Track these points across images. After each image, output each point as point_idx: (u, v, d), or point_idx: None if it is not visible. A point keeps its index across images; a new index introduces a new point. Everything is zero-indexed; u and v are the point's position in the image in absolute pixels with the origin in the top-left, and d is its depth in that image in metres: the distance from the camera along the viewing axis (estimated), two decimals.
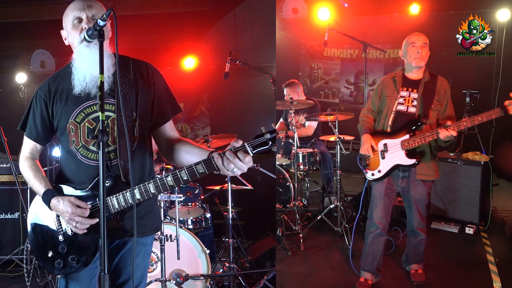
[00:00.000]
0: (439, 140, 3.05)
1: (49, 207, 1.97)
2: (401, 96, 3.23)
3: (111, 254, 2.07)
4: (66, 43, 2.05)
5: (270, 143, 1.69)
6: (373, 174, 3.27)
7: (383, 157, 3.22)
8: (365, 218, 4.59)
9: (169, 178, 1.83)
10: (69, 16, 1.97)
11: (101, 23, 1.75)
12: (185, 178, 1.80)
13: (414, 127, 3.13)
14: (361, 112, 3.49)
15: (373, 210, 3.31)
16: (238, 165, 1.71)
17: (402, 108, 3.22)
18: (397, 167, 3.20)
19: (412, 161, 3.14)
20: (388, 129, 3.24)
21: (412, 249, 3.51)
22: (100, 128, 1.67)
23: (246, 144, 1.71)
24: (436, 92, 3.18)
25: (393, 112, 3.23)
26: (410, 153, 3.14)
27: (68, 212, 1.90)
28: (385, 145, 3.21)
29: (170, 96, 2.13)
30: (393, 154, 3.18)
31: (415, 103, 3.19)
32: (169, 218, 3.67)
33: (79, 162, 1.99)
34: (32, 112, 2.07)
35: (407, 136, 3.13)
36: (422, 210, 3.33)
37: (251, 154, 1.71)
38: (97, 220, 1.92)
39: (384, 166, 3.22)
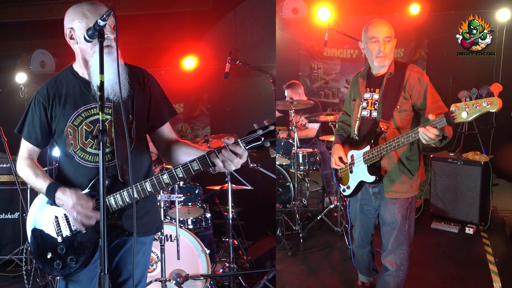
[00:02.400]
0: (428, 141, 2.27)
1: (53, 199, 1.98)
2: (364, 99, 2.75)
3: (111, 254, 2.10)
4: (72, 42, 2.01)
5: (263, 138, 1.74)
6: (344, 190, 2.88)
7: (351, 171, 2.78)
8: None
9: (165, 176, 1.88)
10: (90, 19, 1.92)
11: (101, 23, 1.76)
12: (180, 176, 1.86)
13: (374, 137, 2.62)
14: (339, 115, 3.15)
15: (354, 229, 3.02)
16: (232, 160, 1.77)
17: (365, 113, 2.75)
18: (363, 183, 2.73)
19: (372, 178, 2.63)
20: (356, 138, 2.81)
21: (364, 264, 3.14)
22: (101, 128, 1.69)
23: (239, 140, 1.78)
24: (401, 87, 2.59)
25: (357, 119, 2.78)
26: (371, 168, 2.64)
27: (72, 202, 1.92)
28: (351, 157, 2.77)
29: (166, 100, 2.19)
30: (359, 168, 2.71)
31: (376, 105, 2.68)
32: (169, 218, 3.67)
33: (76, 164, 2.02)
34: (31, 116, 2.08)
35: (367, 148, 2.64)
36: (395, 237, 2.67)
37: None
38: (98, 213, 1.92)
39: (352, 181, 2.78)
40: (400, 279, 2.74)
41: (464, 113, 2.08)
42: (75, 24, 1.96)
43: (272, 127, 1.74)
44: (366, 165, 2.65)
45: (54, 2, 6.43)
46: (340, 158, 2.82)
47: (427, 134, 2.21)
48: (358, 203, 2.91)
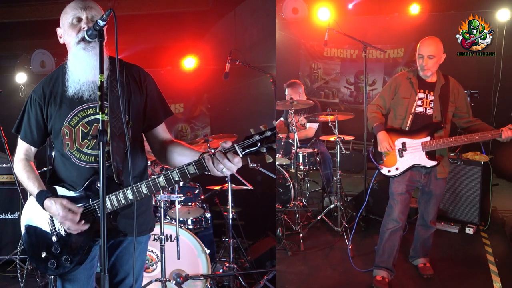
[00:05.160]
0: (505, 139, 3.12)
1: (43, 207, 1.99)
2: (419, 98, 3.30)
3: (108, 254, 2.07)
4: (61, 41, 2.05)
5: (259, 144, 1.72)
6: (389, 171, 3.34)
7: (401, 156, 3.30)
8: (364, 218, 4.60)
9: (161, 179, 1.87)
10: (68, 14, 1.97)
11: (101, 23, 1.76)
12: (176, 179, 1.85)
13: (435, 130, 3.24)
14: (368, 107, 3.53)
15: (393, 207, 3.35)
16: (227, 166, 1.75)
17: (420, 110, 3.30)
18: (414, 166, 3.28)
19: (433, 162, 3.25)
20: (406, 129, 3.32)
21: (421, 242, 3.61)
22: (100, 128, 1.69)
23: (236, 145, 1.75)
24: (450, 93, 3.29)
25: (411, 114, 3.30)
26: (430, 155, 3.25)
27: (59, 216, 1.93)
28: (403, 144, 3.29)
29: (162, 100, 2.18)
30: (413, 154, 3.27)
31: (432, 105, 3.29)
32: (169, 218, 3.67)
33: (73, 164, 2.02)
34: (27, 115, 2.08)
35: (428, 138, 3.22)
36: (438, 205, 3.51)
37: (241, 155, 1.75)
38: (87, 226, 1.95)
39: (402, 164, 3.30)
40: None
41: None
42: (61, 23, 2.02)
43: (269, 133, 1.70)
44: (424, 151, 3.23)
45: (54, 2, 6.43)
46: (389, 144, 3.28)
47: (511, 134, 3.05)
48: (405, 184, 3.33)
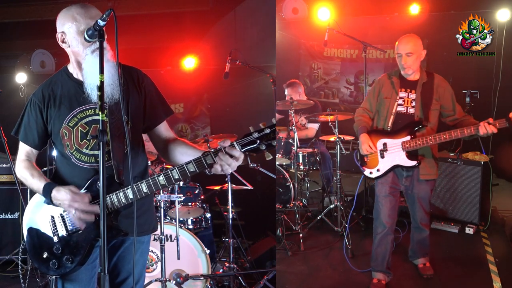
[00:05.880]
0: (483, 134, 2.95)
1: (50, 199, 1.99)
2: (400, 97, 3.25)
3: (109, 254, 2.10)
4: (64, 46, 2.02)
5: (258, 141, 1.74)
6: (371, 173, 3.31)
7: (382, 156, 3.25)
8: (364, 218, 4.60)
9: (161, 178, 1.89)
10: (79, 23, 1.93)
11: (101, 23, 1.77)
12: (176, 177, 1.87)
13: (415, 129, 3.15)
14: (356, 111, 3.51)
15: (379, 210, 3.32)
16: (228, 162, 1.78)
17: (401, 109, 3.25)
18: (396, 167, 3.23)
19: (413, 162, 3.18)
20: (388, 130, 3.27)
21: (417, 244, 3.61)
22: (100, 128, 1.70)
23: (235, 143, 1.78)
24: (434, 91, 3.20)
25: (393, 114, 3.25)
26: (411, 155, 3.18)
27: (67, 199, 1.94)
28: (384, 144, 3.24)
29: (161, 100, 2.19)
30: (393, 154, 3.21)
31: (413, 103, 3.22)
32: (169, 218, 3.67)
33: (73, 165, 2.03)
34: (27, 118, 2.09)
35: (408, 138, 3.16)
36: (426, 206, 3.42)
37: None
38: (97, 208, 1.93)
39: (383, 165, 3.26)
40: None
41: None
42: (66, 28, 1.97)
43: (267, 130, 1.73)
44: (404, 151, 3.15)
45: (54, 2, 6.42)
46: (370, 146, 3.23)
47: (491, 131, 2.90)
48: (388, 186, 3.27)
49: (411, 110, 3.22)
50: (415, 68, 3.23)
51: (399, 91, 3.26)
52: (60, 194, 1.96)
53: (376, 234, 3.35)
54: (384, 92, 3.32)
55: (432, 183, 3.36)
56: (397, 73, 3.32)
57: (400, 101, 3.25)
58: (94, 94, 1.97)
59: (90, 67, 1.95)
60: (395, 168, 3.24)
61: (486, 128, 2.89)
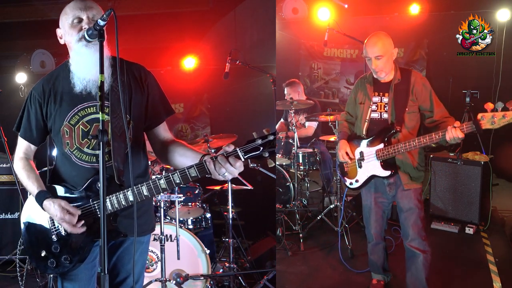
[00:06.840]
0: (442, 140, 2.65)
1: (42, 208, 1.99)
2: (373, 103, 3.01)
3: (109, 254, 2.07)
4: (62, 41, 2.05)
5: (262, 148, 1.72)
6: (351, 183, 3.13)
7: (360, 166, 3.04)
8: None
9: (162, 181, 1.86)
10: (68, 15, 1.97)
11: (102, 23, 1.76)
12: (177, 181, 1.85)
13: (388, 136, 2.90)
14: (340, 115, 3.39)
15: (366, 221, 3.23)
16: (229, 170, 1.76)
17: (375, 115, 3.01)
18: (373, 177, 3.01)
19: (387, 173, 2.92)
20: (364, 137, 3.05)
21: (409, 272, 3.05)
22: (101, 128, 1.69)
23: (238, 149, 1.75)
24: (409, 91, 2.90)
25: (366, 120, 3.03)
26: (386, 164, 2.93)
27: (57, 217, 1.93)
28: (361, 153, 3.03)
29: (163, 98, 2.16)
30: (370, 163, 2.99)
31: (387, 108, 2.97)
32: (169, 218, 3.67)
33: (73, 164, 2.01)
34: (27, 113, 2.08)
35: (381, 146, 2.90)
36: (415, 221, 2.93)
37: (243, 159, 1.76)
38: (83, 229, 1.94)
39: (361, 175, 3.05)
40: (429, 262, 2.97)
41: (492, 122, 2.44)
42: (61, 23, 2.01)
43: (271, 137, 1.71)
44: (379, 161, 2.91)
45: (54, 2, 6.41)
46: (347, 153, 3.04)
47: (458, 135, 2.53)
48: (372, 196, 3.09)
49: (385, 115, 2.97)
50: (388, 70, 2.95)
51: (372, 95, 3.02)
52: (51, 209, 1.95)
53: (368, 243, 3.29)
54: (359, 97, 3.11)
55: (419, 191, 2.98)
56: (371, 77, 3.07)
57: (374, 107, 3.00)
58: (80, 86, 1.96)
59: (76, 57, 1.96)
60: (372, 178, 3.01)
61: (453, 133, 2.54)
